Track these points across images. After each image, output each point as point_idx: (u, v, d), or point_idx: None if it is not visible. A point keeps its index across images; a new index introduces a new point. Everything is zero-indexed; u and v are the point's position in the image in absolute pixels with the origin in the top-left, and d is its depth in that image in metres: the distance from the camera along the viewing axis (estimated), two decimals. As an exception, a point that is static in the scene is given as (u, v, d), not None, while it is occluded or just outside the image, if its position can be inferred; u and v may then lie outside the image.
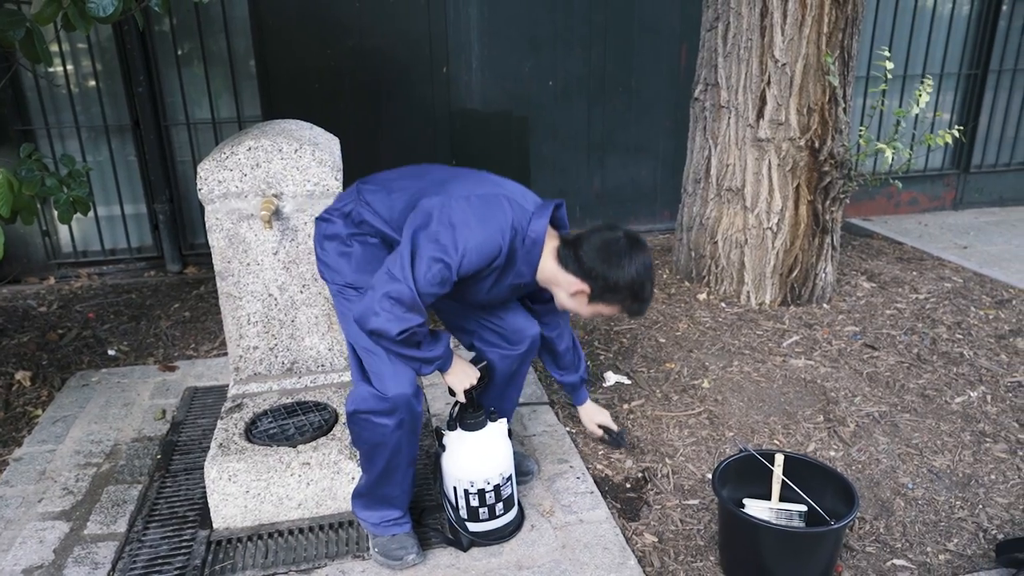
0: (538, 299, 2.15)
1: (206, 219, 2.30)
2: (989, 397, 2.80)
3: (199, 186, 2.26)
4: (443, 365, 1.88)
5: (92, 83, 3.97)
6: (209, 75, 4.06)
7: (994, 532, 2.10)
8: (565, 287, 1.82)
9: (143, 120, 3.97)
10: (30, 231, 4.04)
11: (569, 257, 1.80)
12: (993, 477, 2.35)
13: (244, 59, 4.08)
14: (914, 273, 4.03)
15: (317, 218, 2.02)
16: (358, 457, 2.01)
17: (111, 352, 3.20)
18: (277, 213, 2.31)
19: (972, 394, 2.82)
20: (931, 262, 4.22)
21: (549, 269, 1.82)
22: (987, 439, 2.55)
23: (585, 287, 1.80)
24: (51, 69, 3.88)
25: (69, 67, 3.92)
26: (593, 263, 1.77)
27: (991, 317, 3.48)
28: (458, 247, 1.68)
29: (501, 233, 1.72)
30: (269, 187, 2.30)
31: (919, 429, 2.60)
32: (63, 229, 4.14)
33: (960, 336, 3.28)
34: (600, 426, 2.45)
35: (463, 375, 1.93)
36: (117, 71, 3.96)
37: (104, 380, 2.96)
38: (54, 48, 3.82)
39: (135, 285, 4.00)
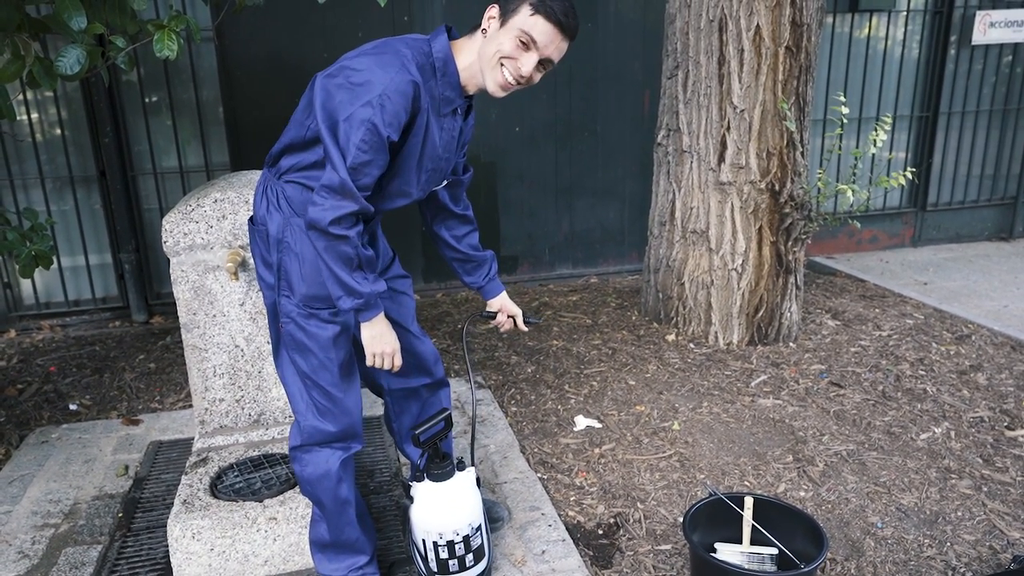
0: (457, 170, 2.02)
1: (171, 271, 2.29)
2: (953, 433, 2.85)
3: (164, 239, 2.25)
4: (366, 308, 1.72)
5: (58, 133, 3.95)
6: (177, 124, 4.07)
7: (963, 570, 2.12)
8: (481, 40, 1.70)
9: (109, 170, 3.95)
10: (-9, 283, 3.96)
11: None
12: (960, 514, 2.38)
13: (212, 108, 4.10)
14: (877, 310, 4.11)
15: (249, 220, 1.89)
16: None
17: (72, 407, 3.12)
18: (243, 264, 2.30)
19: (936, 430, 2.87)
20: (893, 299, 4.32)
21: (467, 63, 1.71)
22: (952, 475, 2.58)
23: (494, 7, 1.68)
24: (18, 133, 3.85)
25: (35, 116, 3.90)
26: None
27: (952, 353, 3.56)
28: (372, 101, 1.57)
29: (406, 69, 1.60)
30: (235, 239, 2.29)
31: (886, 467, 2.63)
32: (25, 281, 4.07)
33: (923, 372, 3.35)
34: (511, 316, 2.20)
35: (384, 334, 1.78)
36: (84, 122, 3.95)
37: (64, 436, 2.89)
38: (19, 97, 3.80)
39: (99, 336, 3.93)
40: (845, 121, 3.33)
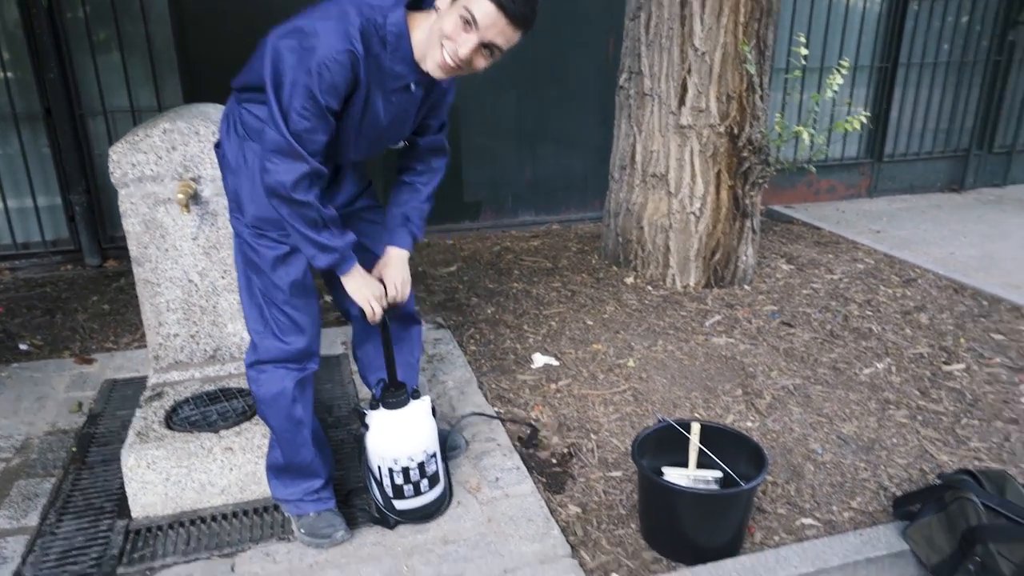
0: (428, 130, 1.99)
1: (120, 204, 2.25)
2: (894, 368, 2.96)
3: (111, 169, 2.20)
4: (342, 262, 1.79)
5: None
6: (127, 63, 3.94)
7: (893, 490, 2.23)
8: (435, 16, 1.64)
9: (55, 108, 3.82)
10: (-65, 225, 3.84)
11: None
12: (895, 440, 2.49)
13: (164, 46, 3.96)
14: (830, 256, 4.21)
15: (215, 145, 1.89)
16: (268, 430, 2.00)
17: (23, 347, 3.08)
18: (195, 197, 2.27)
19: (879, 366, 2.98)
20: (846, 245, 4.42)
21: (421, 40, 1.66)
22: (891, 406, 2.69)
23: None
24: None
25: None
26: None
27: (898, 295, 3.67)
28: (311, 68, 1.56)
29: (348, 39, 1.58)
30: (186, 170, 2.25)
31: (830, 399, 2.73)
32: (-29, 222, 3.96)
33: (870, 313, 3.46)
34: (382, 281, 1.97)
35: (365, 283, 1.86)
36: (26, 58, 3.79)
37: (15, 375, 2.85)
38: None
39: (50, 279, 3.85)
40: (805, 63, 3.35)
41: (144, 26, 3.89)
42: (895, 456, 2.41)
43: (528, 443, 2.44)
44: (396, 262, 1.98)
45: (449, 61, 1.62)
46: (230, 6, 3.96)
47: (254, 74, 1.73)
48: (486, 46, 1.61)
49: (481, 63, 1.64)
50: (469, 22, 1.57)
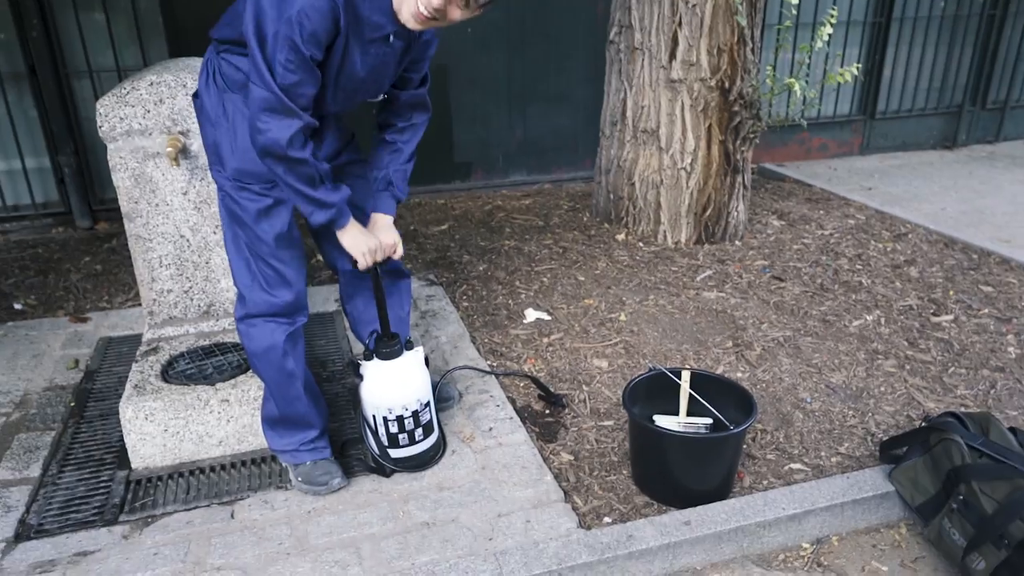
0: (409, 84, 1.96)
1: (109, 158, 2.23)
2: (883, 320, 3.00)
3: (99, 123, 2.18)
4: (338, 217, 1.80)
5: (-19, 28, 3.74)
6: (111, 22, 3.87)
7: (880, 436, 2.28)
8: None
9: (40, 67, 3.77)
10: (-78, 188, 3.81)
11: None
12: (883, 389, 2.54)
13: (149, 5, 3.89)
14: (821, 212, 4.23)
15: (192, 95, 1.88)
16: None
17: (17, 306, 3.08)
18: (184, 151, 2.26)
19: (868, 318, 3.01)
20: (837, 202, 4.43)
21: None
22: (879, 356, 2.73)
23: None
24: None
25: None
26: None
27: (889, 249, 3.70)
28: (292, 17, 1.54)
29: None
30: (175, 124, 2.24)
31: (819, 350, 2.77)
32: (-41, 185, 3.92)
33: (860, 267, 3.48)
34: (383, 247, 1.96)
35: (361, 237, 1.87)
36: (8, 16, 3.73)
37: (11, 333, 2.86)
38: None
39: (41, 241, 3.83)
40: (796, 14, 3.32)
41: (128, -17, 3.82)
42: (883, 404, 2.45)
43: (554, 400, 2.43)
44: (383, 227, 1.98)
45: (423, 11, 1.60)
46: (215, -39, 3.88)
47: (234, 28, 1.71)
48: None
49: (456, 14, 1.61)
50: None
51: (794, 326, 2.94)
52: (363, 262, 1.90)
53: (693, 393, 2.10)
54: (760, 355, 2.73)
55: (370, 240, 1.90)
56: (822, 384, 2.56)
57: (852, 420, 2.37)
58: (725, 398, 2.11)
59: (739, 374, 2.61)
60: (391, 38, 1.72)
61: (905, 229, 3.97)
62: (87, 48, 3.87)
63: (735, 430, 1.94)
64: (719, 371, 2.63)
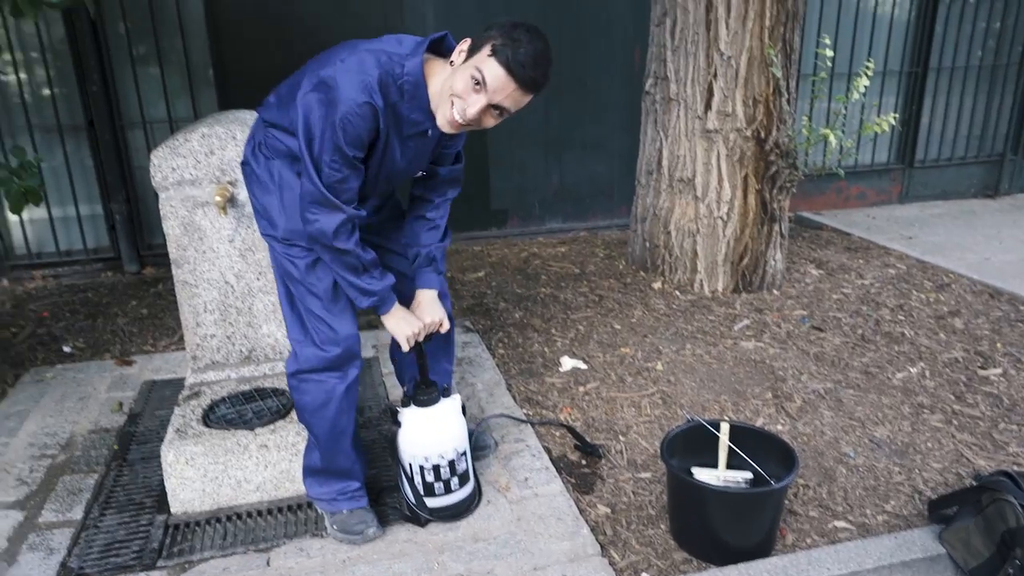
0: (446, 160, 2.03)
1: (160, 207, 2.32)
2: (928, 372, 2.92)
3: (152, 173, 2.27)
4: (382, 304, 1.87)
5: (46, 86, 3.94)
6: (165, 75, 4.05)
7: (928, 494, 2.20)
8: (454, 56, 1.68)
9: (97, 120, 3.94)
10: (-19, 233, 3.98)
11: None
12: (929, 445, 2.46)
13: (200, 58, 4.07)
14: (860, 261, 4.18)
15: (241, 163, 1.98)
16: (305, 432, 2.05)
17: (67, 349, 3.17)
18: (232, 200, 2.33)
19: (912, 370, 2.94)
20: (877, 251, 4.37)
21: (438, 92, 1.69)
22: (925, 410, 2.66)
23: (465, 43, 1.66)
24: (1, 68, 3.83)
25: (23, 75, 3.88)
26: (486, 29, 1.65)
27: (932, 300, 3.63)
28: (336, 122, 1.62)
29: (367, 92, 1.62)
30: (223, 174, 2.32)
31: (862, 403, 2.71)
32: (16, 230, 4.08)
33: (902, 317, 3.42)
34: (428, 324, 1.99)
35: (403, 321, 1.93)
36: (71, 72, 3.93)
37: (59, 376, 2.94)
38: (6, 57, 3.79)
39: (91, 285, 3.96)
40: (831, 66, 3.35)
41: (182, 40, 4.01)
42: (930, 460, 2.38)
43: (590, 450, 2.40)
44: (429, 303, 2.03)
45: (458, 118, 1.67)
46: (262, 21, 4.06)
47: (282, 115, 1.81)
48: (495, 107, 1.64)
49: (490, 122, 1.69)
50: (479, 83, 1.60)
51: (835, 378, 2.88)
52: (405, 346, 1.95)
53: (732, 446, 2.06)
54: (800, 407, 2.68)
55: (413, 324, 1.95)
56: (866, 438, 2.50)
57: (898, 476, 2.30)
58: (765, 451, 2.07)
59: (779, 426, 2.56)
60: (429, 132, 1.79)
61: (948, 279, 3.90)
62: (142, 100, 4.05)
63: (777, 485, 1.89)
64: (758, 423, 2.58)
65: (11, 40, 3.81)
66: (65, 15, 3.79)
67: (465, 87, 1.62)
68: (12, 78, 3.85)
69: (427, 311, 2.01)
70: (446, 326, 2.06)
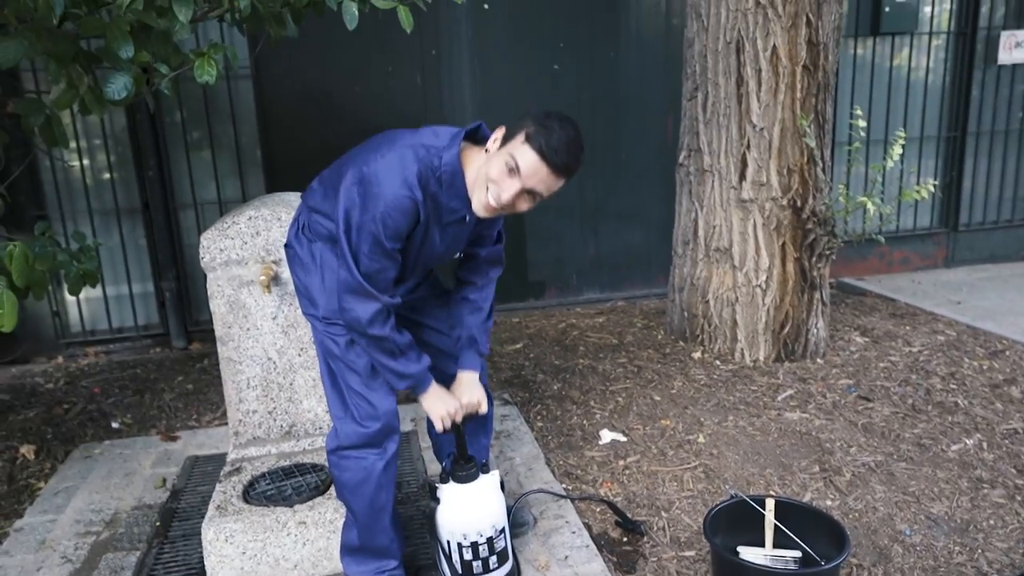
0: (486, 240, 2.07)
1: (208, 287, 2.40)
2: (985, 444, 2.80)
3: (201, 255, 2.37)
4: (418, 385, 1.90)
5: (106, 172, 4.17)
6: (216, 159, 4.26)
7: None
8: (489, 144, 1.73)
9: (152, 202, 4.15)
10: (41, 312, 4.15)
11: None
12: (992, 522, 2.34)
13: (249, 143, 4.28)
14: (907, 328, 4.07)
15: (284, 245, 2.05)
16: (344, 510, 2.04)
17: (115, 425, 3.25)
18: (276, 279, 2.41)
19: (968, 442, 2.83)
20: (924, 317, 4.27)
21: (472, 173, 1.75)
22: (985, 485, 2.54)
23: (500, 131, 1.72)
24: (68, 158, 4.08)
25: (86, 161, 4.13)
26: (519, 119, 1.71)
27: (985, 367, 3.50)
28: (376, 216, 1.68)
29: (408, 187, 1.68)
30: (268, 254, 2.40)
31: (916, 477, 2.60)
32: (72, 309, 4.26)
33: (954, 386, 3.30)
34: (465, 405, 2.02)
35: (439, 401, 1.95)
36: (129, 158, 4.16)
37: (107, 451, 3.00)
38: (73, 144, 4.04)
39: (140, 361, 4.08)
40: (863, 135, 3.36)
41: (232, 126, 4.23)
42: (993, 539, 2.25)
43: (631, 527, 2.35)
44: (469, 384, 2.06)
45: (493, 203, 1.72)
46: (307, 108, 4.27)
47: (326, 203, 1.89)
48: (528, 191, 1.70)
49: (523, 206, 1.74)
50: (514, 169, 1.66)
51: (886, 450, 2.78)
52: (439, 425, 1.96)
53: (779, 525, 1.99)
54: (850, 481, 2.58)
55: (449, 404, 1.96)
56: (922, 515, 2.39)
57: (959, 557, 2.18)
58: (814, 529, 1.99)
59: (828, 502, 2.47)
60: (467, 218, 1.85)
61: (1002, 345, 3.77)
62: (193, 183, 4.25)
63: (827, 565, 1.81)
64: (806, 498, 2.49)
65: (77, 130, 4.07)
66: (127, 107, 4.04)
67: (500, 173, 1.68)
68: (77, 164, 4.10)
69: (466, 392, 2.04)
70: (484, 408, 2.07)
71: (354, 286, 1.74)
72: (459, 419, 1.99)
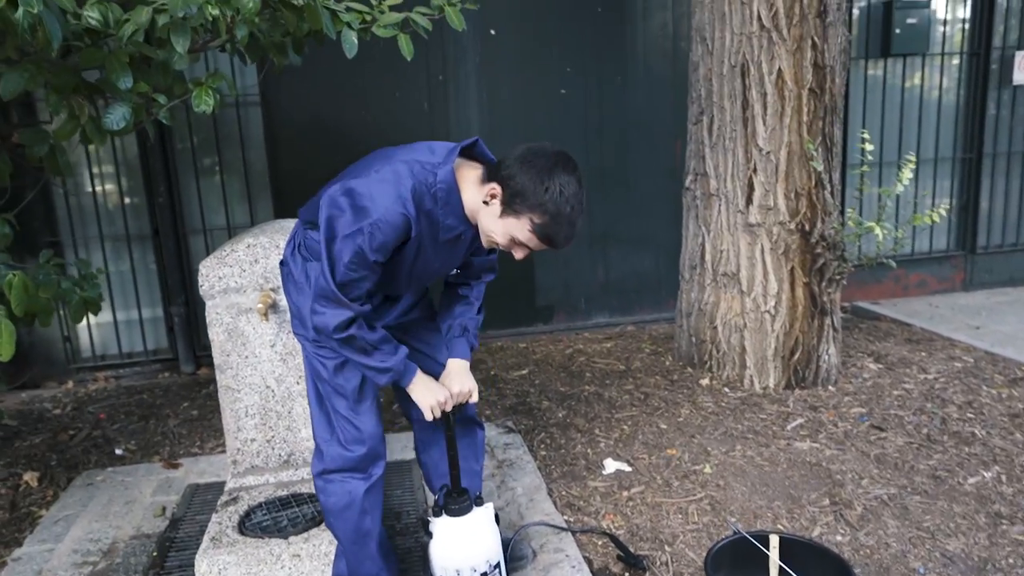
0: (481, 252, 2.06)
1: (207, 314, 2.40)
2: (1004, 477, 2.71)
3: (200, 283, 2.37)
4: (401, 377, 1.87)
5: (117, 198, 4.22)
6: (225, 185, 4.29)
7: (1010, 617, 2.00)
8: (485, 197, 1.74)
9: (162, 228, 4.18)
10: (52, 337, 4.18)
11: (493, 170, 1.74)
12: (1011, 560, 2.25)
13: (259, 169, 4.31)
14: (923, 354, 3.98)
15: (280, 263, 2.05)
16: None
17: (119, 451, 3.24)
18: (274, 306, 2.40)
19: (986, 474, 2.74)
20: (941, 343, 4.17)
21: (471, 199, 1.76)
22: (1003, 521, 2.45)
23: (497, 188, 1.71)
24: (78, 187, 4.13)
25: (98, 188, 4.18)
26: (511, 166, 1.70)
27: (1004, 395, 3.41)
28: (364, 228, 1.67)
29: (401, 202, 1.68)
30: (267, 281, 2.40)
31: (930, 511, 2.52)
32: (83, 334, 4.28)
33: (972, 415, 3.21)
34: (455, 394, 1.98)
35: (428, 391, 1.90)
36: (140, 185, 4.20)
37: (109, 479, 2.99)
38: (85, 170, 4.10)
39: (148, 386, 4.08)
40: (871, 158, 3.31)
41: (242, 152, 4.26)
42: (1009, 577, 2.17)
43: (633, 562, 2.29)
44: (460, 372, 2.03)
45: (489, 243, 1.82)
46: (315, 131, 4.30)
47: (316, 214, 1.87)
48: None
49: (519, 255, 1.81)
50: (521, 245, 1.76)
51: (899, 482, 2.70)
52: (428, 415, 1.92)
53: (783, 567, 1.93)
54: (861, 515, 2.50)
55: (439, 392, 1.92)
56: (937, 552, 2.30)
57: (975, 597, 2.10)
58: (821, 567, 1.93)
59: (839, 537, 2.39)
60: (462, 236, 1.84)
61: (1021, 372, 3.67)
62: (203, 208, 4.28)
63: (832, 608, 1.75)
64: (815, 532, 2.42)
65: (89, 157, 4.12)
66: (138, 134, 4.09)
67: (505, 242, 1.77)
68: (89, 189, 4.15)
69: (456, 380, 2.00)
70: (475, 397, 2.03)
71: (328, 293, 1.73)
72: (449, 408, 1.95)
